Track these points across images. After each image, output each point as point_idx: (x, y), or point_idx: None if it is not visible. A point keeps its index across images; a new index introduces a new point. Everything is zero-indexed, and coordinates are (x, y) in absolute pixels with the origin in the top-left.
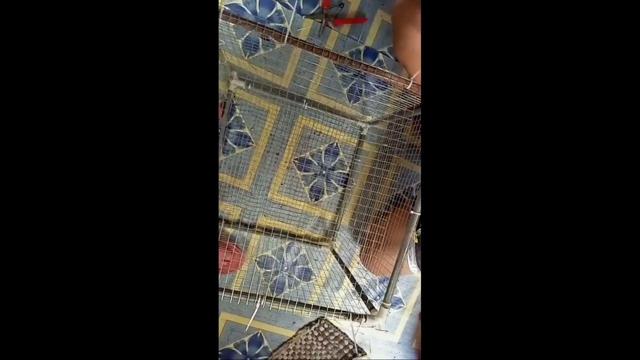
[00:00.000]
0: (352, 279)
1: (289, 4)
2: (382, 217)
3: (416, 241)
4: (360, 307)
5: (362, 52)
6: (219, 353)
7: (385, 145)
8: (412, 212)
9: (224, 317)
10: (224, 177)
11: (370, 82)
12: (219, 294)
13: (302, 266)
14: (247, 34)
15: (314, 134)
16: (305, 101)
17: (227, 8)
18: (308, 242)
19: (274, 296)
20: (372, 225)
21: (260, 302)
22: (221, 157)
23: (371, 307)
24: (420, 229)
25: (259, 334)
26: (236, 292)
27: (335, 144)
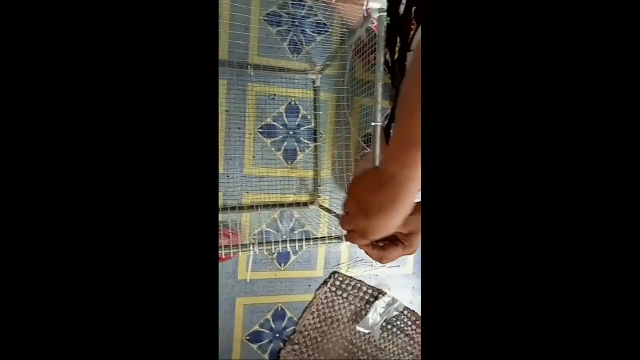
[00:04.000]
0: None
1: None
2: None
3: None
4: None
5: None
6: (247, 338)
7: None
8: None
9: (240, 303)
10: None
11: (307, 30)
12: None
13: (300, 230)
14: None
15: (269, 97)
16: (249, 67)
17: None
18: (298, 205)
19: (282, 269)
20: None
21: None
22: None
23: None
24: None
25: (279, 308)
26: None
27: (293, 102)
